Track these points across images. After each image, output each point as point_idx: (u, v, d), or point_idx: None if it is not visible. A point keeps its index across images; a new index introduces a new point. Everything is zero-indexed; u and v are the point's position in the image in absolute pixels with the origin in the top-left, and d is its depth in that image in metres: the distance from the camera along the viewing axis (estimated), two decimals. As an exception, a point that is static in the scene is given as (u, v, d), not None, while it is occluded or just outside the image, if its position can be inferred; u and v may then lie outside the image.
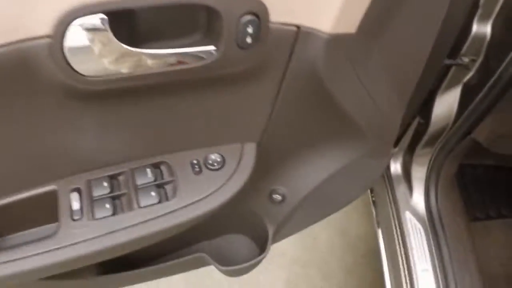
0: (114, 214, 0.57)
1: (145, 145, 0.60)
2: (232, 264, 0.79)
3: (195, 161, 0.62)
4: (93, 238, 0.55)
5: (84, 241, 0.55)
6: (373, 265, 1.60)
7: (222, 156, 0.63)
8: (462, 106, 1.03)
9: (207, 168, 0.62)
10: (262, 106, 0.60)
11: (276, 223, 0.77)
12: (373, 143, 0.72)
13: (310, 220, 0.85)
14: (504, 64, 0.88)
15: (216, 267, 0.76)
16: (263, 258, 0.74)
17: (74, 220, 0.57)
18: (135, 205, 0.58)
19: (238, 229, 0.85)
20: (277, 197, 0.74)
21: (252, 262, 0.75)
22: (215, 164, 0.62)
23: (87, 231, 0.56)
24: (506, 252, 1.30)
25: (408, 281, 1.11)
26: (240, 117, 0.61)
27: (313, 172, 0.72)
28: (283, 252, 1.64)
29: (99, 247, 0.55)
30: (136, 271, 0.76)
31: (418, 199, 1.20)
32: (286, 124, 0.64)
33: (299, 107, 0.61)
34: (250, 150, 0.64)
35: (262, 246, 0.80)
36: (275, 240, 0.83)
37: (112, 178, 0.60)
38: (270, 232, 0.76)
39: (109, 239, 0.55)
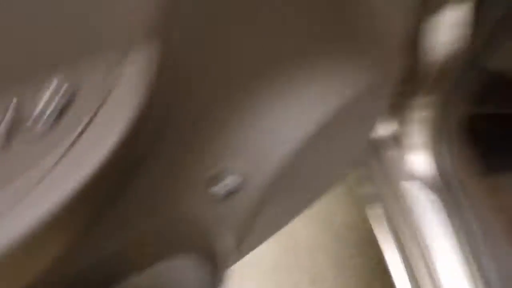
0: None
1: None
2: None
3: None
4: None
5: None
6: (370, 254, 1.32)
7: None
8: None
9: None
10: None
11: (233, 230, 0.43)
12: (379, 62, 0.41)
13: (288, 214, 0.50)
14: None
15: None
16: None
17: None
18: None
19: (177, 248, 0.51)
20: (224, 185, 0.38)
21: None
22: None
23: None
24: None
25: (426, 269, 0.82)
26: None
27: (292, 122, 0.37)
28: (259, 259, 1.32)
29: None
30: None
31: (423, 158, 0.90)
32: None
33: None
34: (136, 60, 0.27)
35: (218, 269, 0.48)
36: (240, 256, 0.51)
37: None
38: (222, 248, 0.43)
39: None
